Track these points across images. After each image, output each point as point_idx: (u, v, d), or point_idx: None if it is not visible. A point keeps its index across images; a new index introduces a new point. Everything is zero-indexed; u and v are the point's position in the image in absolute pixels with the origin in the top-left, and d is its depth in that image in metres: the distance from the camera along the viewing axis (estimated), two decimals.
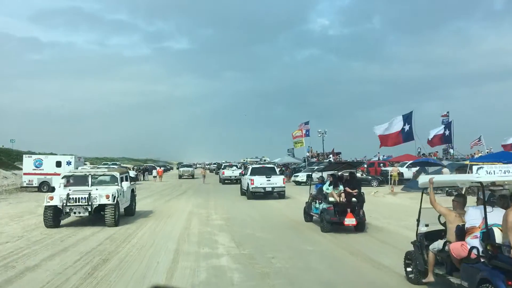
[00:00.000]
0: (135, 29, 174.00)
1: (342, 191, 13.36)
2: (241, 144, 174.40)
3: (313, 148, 59.35)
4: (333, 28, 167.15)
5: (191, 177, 48.34)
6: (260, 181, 23.56)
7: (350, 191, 13.41)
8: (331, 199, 13.38)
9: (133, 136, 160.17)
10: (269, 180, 23.76)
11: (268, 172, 25.08)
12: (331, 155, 52.26)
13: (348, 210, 13.21)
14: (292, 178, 33.75)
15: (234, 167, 41.64)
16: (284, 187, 24.04)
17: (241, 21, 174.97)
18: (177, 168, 64.33)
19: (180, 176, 48.34)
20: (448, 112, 50.52)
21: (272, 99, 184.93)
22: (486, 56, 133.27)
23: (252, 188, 23.35)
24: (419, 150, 46.98)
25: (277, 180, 23.94)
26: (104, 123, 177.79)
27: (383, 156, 59.67)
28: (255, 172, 24.90)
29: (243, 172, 32.99)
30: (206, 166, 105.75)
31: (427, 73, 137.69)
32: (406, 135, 35.69)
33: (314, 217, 14.35)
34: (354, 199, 13.38)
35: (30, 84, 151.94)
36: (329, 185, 13.71)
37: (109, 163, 56.75)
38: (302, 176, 33.05)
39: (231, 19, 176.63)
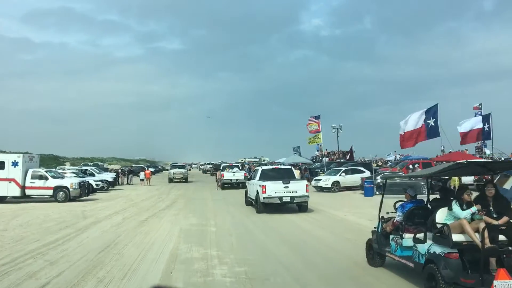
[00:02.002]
0: (127, 30, 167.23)
1: (482, 221, 6.51)
2: (238, 144, 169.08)
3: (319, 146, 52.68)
4: (326, 29, 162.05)
5: (184, 180, 40.27)
6: (274, 188, 16.98)
7: (494, 221, 6.59)
8: (457, 237, 6.51)
9: (128, 136, 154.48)
10: (287, 187, 17.15)
11: (284, 175, 18.49)
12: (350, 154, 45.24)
13: (493, 260, 6.44)
14: (313, 183, 26.69)
15: (236, 169, 34.74)
16: (308, 196, 17.42)
17: (234, 22, 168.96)
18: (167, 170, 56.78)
19: (171, 180, 40.07)
20: (480, 105, 43.76)
21: (267, 99, 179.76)
22: (477, 57, 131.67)
23: (264, 197, 16.77)
24: (442, 148, 41.14)
25: (299, 187, 17.29)
26: (98, 124, 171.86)
27: (400, 155, 53.24)
28: (266, 175, 18.26)
29: (248, 175, 26.29)
30: (201, 166, 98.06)
31: (420, 73, 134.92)
32: (431, 131, 29.59)
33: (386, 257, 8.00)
34: (502, 236, 6.52)
35: (23, 84, 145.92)
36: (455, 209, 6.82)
37: (90, 163, 49.56)
38: (326, 181, 26.11)
39: (224, 19, 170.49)
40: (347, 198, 22.26)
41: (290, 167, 20.64)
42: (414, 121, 29.94)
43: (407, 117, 30.72)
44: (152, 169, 72.49)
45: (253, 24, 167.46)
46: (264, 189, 17.19)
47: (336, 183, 25.79)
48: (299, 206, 17.73)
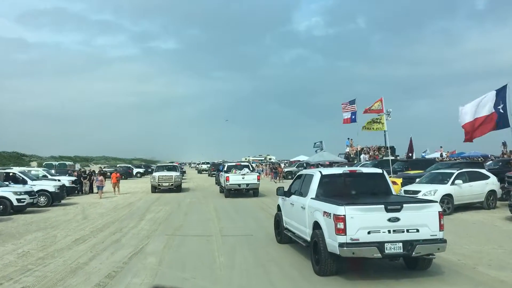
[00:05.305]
0: (121, 29, 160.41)
1: None
2: (238, 143, 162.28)
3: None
4: (320, 29, 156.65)
5: (174, 188, 26.61)
6: (368, 223, 6.87)
7: None
8: None
9: (127, 135, 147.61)
10: (397, 219, 6.83)
11: (371, 190, 8.62)
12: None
13: None
14: None
15: (246, 169, 24.63)
16: (445, 242, 7.08)
17: (231, 22, 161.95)
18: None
19: (155, 188, 26.51)
20: None
21: (266, 98, 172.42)
22: (471, 55, 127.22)
23: (341, 244, 6.84)
24: (504, 141, 30.87)
25: (420, 219, 6.96)
26: (96, 123, 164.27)
27: (447, 152, 42.75)
28: (332, 189, 8.37)
29: (282, 186, 15.49)
30: (197, 166, 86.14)
31: (415, 72, 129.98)
32: (501, 119, 21.53)
33: None
34: None
35: (19, 84, 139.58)
36: None
37: (54, 163, 38.39)
38: (429, 194, 13.73)
39: (221, 20, 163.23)
40: (497, 233, 10.86)
41: (380, 170, 9.53)
42: (482, 106, 21.62)
43: (471, 102, 22.37)
44: (141, 170, 60.84)
45: (248, 24, 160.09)
46: (342, 225, 6.91)
47: (447, 198, 14.05)
48: (415, 260, 7.36)
